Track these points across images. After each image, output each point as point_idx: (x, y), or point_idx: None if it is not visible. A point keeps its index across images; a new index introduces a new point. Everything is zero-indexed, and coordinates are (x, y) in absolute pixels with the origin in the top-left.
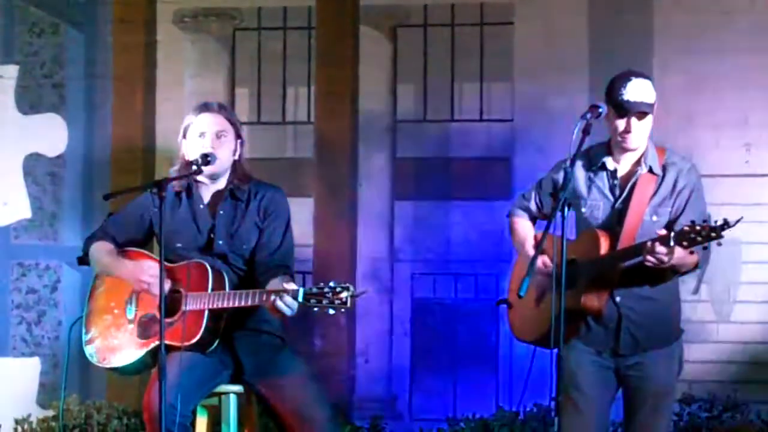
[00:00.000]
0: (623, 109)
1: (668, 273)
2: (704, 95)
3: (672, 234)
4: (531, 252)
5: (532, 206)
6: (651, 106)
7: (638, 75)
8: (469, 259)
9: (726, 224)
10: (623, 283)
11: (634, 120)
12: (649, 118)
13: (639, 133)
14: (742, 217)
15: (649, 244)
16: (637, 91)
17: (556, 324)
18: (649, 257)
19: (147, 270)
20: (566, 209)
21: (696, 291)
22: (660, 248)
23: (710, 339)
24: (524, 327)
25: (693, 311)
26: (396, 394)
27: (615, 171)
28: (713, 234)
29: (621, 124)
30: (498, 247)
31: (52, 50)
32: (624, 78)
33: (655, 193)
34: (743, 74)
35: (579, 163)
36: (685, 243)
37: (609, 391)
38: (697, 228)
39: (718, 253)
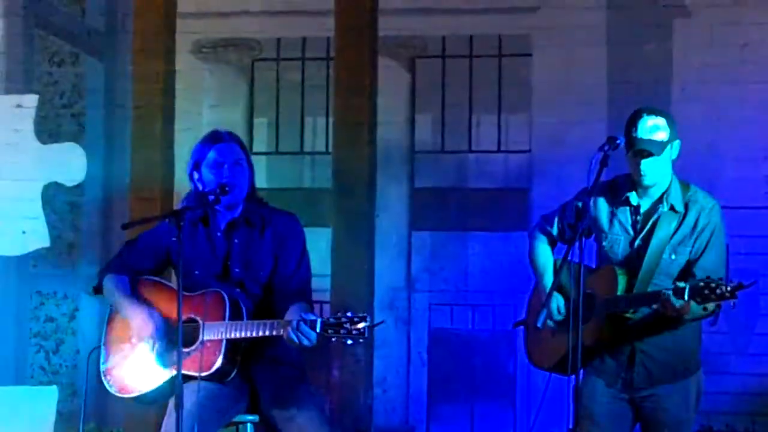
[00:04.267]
0: (631, 147)
1: (683, 320)
2: (723, 126)
3: (686, 288)
4: (549, 284)
5: (554, 231)
6: (659, 144)
7: (651, 112)
8: (486, 289)
9: (740, 286)
10: (638, 326)
11: (642, 159)
12: (658, 157)
13: (649, 172)
14: (756, 281)
15: (663, 295)
16: (646, 129)
17: (573, 355)
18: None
19: (153, 327)
20: (583, 240)
21: (715, 323)
22: (674, 300)
23: (728, 370)
24: (540, 354)
25: (711, 343)
26: (414, 424)
27: (638, 207)
28: (727, 294)
29: (632, 161)
30: (515, 278)
31: (71, 80)
32: (637, 115)
33: (675, 231)
34: (762, 105)
35: (602, 197)
36: (698, 299)
37: (624, 422)
38: (712, 285)
39: None
